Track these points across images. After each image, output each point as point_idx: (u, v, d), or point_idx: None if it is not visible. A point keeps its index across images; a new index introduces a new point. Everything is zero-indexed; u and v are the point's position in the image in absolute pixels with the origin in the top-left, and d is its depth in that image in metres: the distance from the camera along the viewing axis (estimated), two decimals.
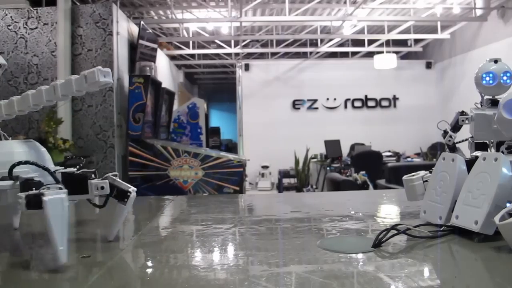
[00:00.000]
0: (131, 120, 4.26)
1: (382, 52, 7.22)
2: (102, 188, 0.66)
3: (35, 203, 0.54)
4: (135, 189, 0.70)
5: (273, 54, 8.70)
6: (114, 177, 0.70)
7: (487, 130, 0.80)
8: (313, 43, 8.04)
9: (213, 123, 12.81)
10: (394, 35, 7.07)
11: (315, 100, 8.03)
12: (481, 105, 0.84)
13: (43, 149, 0.71)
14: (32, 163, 0.63)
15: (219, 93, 13.10)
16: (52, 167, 0.69)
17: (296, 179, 7.54)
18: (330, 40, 7.36)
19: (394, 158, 6.98)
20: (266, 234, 0.81)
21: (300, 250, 0.67)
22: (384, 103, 8.12)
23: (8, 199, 0.61)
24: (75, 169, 0.71)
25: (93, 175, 0.69)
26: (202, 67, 10.17)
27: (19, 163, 0.62)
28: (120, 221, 0.71)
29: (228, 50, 7.82)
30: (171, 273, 0.58)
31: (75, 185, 0.65)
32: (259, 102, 7.80)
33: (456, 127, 0.90)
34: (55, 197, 0.55)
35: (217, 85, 12.58)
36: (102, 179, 0.68)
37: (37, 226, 0.85)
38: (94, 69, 0.63)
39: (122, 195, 0.69)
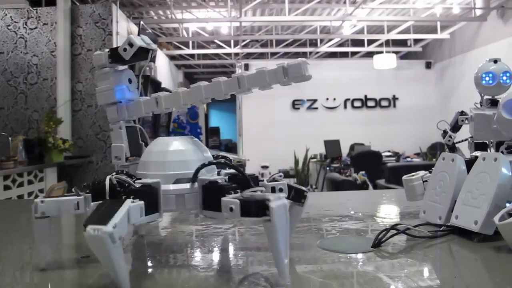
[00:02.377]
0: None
1: (381, 52, 7.22)
2: (281, 190, 0.61)
3: (257, 209, 0.46)
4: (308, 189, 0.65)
5: (273, 54, 8.70)
6: (280, 177, 0.64)
7: (487, 130, 0.80)
8: (313, 43, 8.04)
9: (213, 123, 12.81)
10: (393, 35, 7.07)
11: (315, 100, 8.03)
12: (481, 105, 0.85)
13: (202, 145, 0.62)
14: (230, 165, 0.57)
15: None
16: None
17: (295, 179, 7.55)
18: (330, 40, 7.36)
19: (394, 158, 6.98)
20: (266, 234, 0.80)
21: (299, 250, 0.67)
22: (384, 103, 8.12)
23: (186, 205, 0.54)
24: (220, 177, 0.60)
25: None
26: (201, 67, 10.17)
27: (208, 163, 0.55)
28: (295, 227, 0.66)
29: (227, 50, 7.82)
30: (171, 273, 0.58)
31: (211, 198, 0.53)
32: (258, 102, 7.80)
33: (455, 127, 0.90)
34: (281, 203, 0.46)
35: None
36: (271, 181, 0.62)
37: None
38: (299, 61, 0.57)
39: (299, 196, 0.62)
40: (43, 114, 3.93)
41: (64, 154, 3.82)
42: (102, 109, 4.17)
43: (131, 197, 0.49)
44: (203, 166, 0.55)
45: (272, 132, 7.64)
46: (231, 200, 0.48)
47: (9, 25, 4.13)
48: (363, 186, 4.53)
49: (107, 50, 0.64)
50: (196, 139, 0.62)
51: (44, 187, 3.60)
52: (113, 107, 0.66)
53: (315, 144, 7.17)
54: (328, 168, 6.64)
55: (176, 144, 0.59)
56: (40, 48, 4.12)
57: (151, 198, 0.52)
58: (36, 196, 3.43)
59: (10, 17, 4.13)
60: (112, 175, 0.54)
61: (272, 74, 0.58)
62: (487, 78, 0.82)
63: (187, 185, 0.55)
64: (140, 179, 0.56)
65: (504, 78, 0.81)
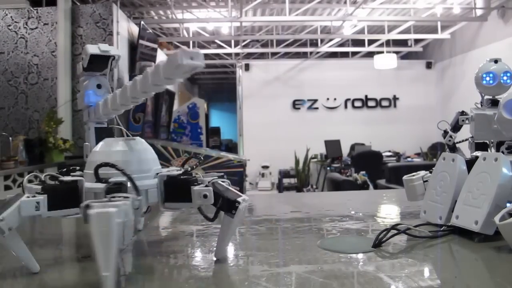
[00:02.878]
0: (131, 120, 4.26)
1: (382, 52, 7.22)
2: (205, 197, 0.57)
3: (84, 216, 0.46)
4: (247, 198, 0.58)
5: (273, 54, 8.70)
6: (222, 183, 0.61)
7: (487, 130, 0.80)
8: (313, 43, 8.04)
9: (213, 123, 12.81)
10: (394, 35, 7.07)
11: (315, 100, 8.03)
12: (481, 105, 0.84)
13: (147, 147, 0.63)
14: (111, 165, 0.55)
15: (219, 93, 13.10)
16: (157, 168, 0.62)
17: (296, 179, 7.54)
18: (330, 40, 7.36)
19: (394, 158, 6.98)
20: (266, 234, 0.81)
21: (300, 250, 0.67)
22: (384, 103, 8.11)
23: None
24: (180, 170, 0.62)
25: (197, 181, 0.60)
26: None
27: (101, 165, 0.55)
28: (228, 237, 0.61)
29: (228, 50, 7.82)
30: (171, 273, 0.58)
31: (176, 191, 0.59)
32: (259, 102, 7.80)
33: (456, 127, 0.90)
34: (101, 211, 0.45)
35: (217, 85, 12.58)
36: (206, 185, 0.59)
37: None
38: (177, 51, 0.48)
39: (229, 206, 0.57)
40: (43, 114, 3.93)
41: (64, 154, 3.82)
42: None
43: (36, 192, 0.54)
44: (99, 166, 0.56)
45: (273, 132, 7.64)
46: (202, 188, 0.58)
47: (9, 25, 4.14)
48: (363, 186, 4.53)
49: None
50: (142, 140, 0.64)
51: None
52: (85, 110, 0.74)
53: (316, 144, 7.17)
54: (328, 168, 6.64)
55: (106, 146, 0.62)
56: (40, 48, 4.12)
57: (68, 194, 0.55)
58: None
59: (11, 17, 4.14)
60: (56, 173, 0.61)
61: (153, 74, 0.51)
62: (487, 78, 0.82)
63: (100, 184, 0.55)
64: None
65: (505, 78, 0.81)
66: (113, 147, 0.61)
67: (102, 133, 0.72)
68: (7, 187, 3.11)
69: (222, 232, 0.60)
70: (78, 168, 0.65)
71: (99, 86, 0.73)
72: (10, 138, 3.38)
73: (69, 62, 4.10)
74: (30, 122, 4.09)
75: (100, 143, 0.63)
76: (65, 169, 0.65)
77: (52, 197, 0.54)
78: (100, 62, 0.71)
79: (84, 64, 0.70)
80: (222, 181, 0.61)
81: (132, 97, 0.57)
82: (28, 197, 0.52)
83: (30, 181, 0.60)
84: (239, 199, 0.57)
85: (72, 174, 0.63)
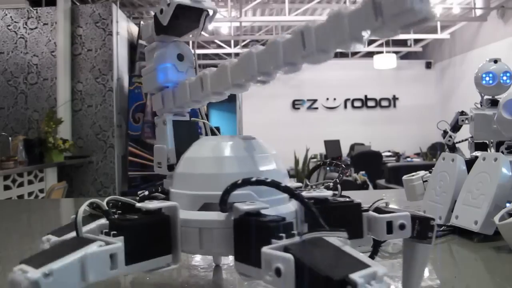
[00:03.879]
0: (131, 120, 4.25)
1: (382, 52, 7.22)
2: (403, 227, 0.37)
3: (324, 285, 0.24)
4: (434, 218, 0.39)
5: None
6: (386, 206, 0.41)
7: (487, 130, 0.80)
8: None
9: (213, 123, 12.79)
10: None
11: (315, 100, 8.03)
12: (481, 105, 0.85)
13: (275, 152, 0.43)
14: (272, 184, 0.34)
15: None
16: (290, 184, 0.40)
17: (295, 179, 7.54)
18: None
19: (394, 158, 6.98)
20: None
21: None
22: (384, 103, 8.12)
23: (214, 246, 0.35)
24: (330, 191, 0.40)
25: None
26: (202, 67, 10.11)
27: (238, 184, 0.34)
28: (423, 270, 0.41)
29: (228, 50, 7.82)
30: (171, 273, 0.58)
31: (336, 222, 0.31)
32: (259, 102, 7.80)
33: (456, 127, 0.90)
34: None
35: None
36: (375, 210, 0.39)
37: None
38: None
39: (422, 229, 0.38)
40: (43, 114, 3.94)
41: (64, 154, 3.82)
42: (102, 109, 4.18)
43: (113, 233, 0.31)
44: (235, 186, 0.34)
45: (272, 132, 7.63)
46: (275, 254, 0.26)
47: (9, 25, 4.13)
48: (363, 186, 4.53)
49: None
50: (258, 141, 0.43)
51: (44, 187, 3.60)
52: (157, 95, 0.49)
53: (315, 144, 7.17)
54: (328, 168, 6.64)
55: (214, 148, 0.40)
56: (40, 48, 4.12)
57: (156, 232, 0.34)
58: (36, 196, 3.44)
59: (10, 17, 4.13)
60: (148, 192, 0.40)
61: (355, 17, 0.31)
62: (487, 78, 0.82)
63: (217, 215, 0.35)
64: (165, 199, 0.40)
65: (504, 78, 0.81)
66: (225, 150, 0.39)
67: (182, 130, 0.48)
68: (6, 187, 3.11)
69: (415, 267, 0.40)
70: (159, 187, 0.44)
71: (180, 58, 0.49)
72: (10, 138, 3.38)
73: (68, 62, 4.10)
74: (30, 122, 4.09)
75: (196, 145, 0.42)
76: (142, 192, 0.42)
77: (132, 241, 0.31)
78: (185, 21, 0.46)
79: (164, 20, 0.44)
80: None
81: (260, 72, 0.37)
82: (100, 246, 0.29)
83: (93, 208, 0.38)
84: (427, 216, 0.39)
85: (146, 195, 0.42)
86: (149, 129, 4.66)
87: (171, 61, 0.48)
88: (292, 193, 0.33)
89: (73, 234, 0.34)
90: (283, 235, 0.28)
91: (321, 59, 0.34)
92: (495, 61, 0.83)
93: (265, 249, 0.27)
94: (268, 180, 0.34)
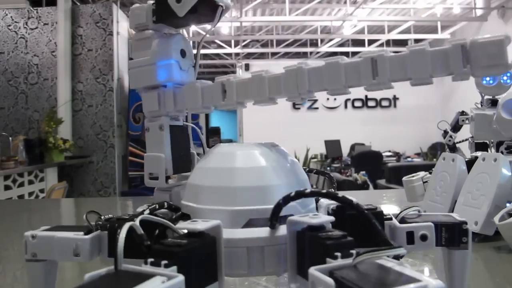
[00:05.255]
0: (131, 120, 4.26)
1: None
2: (425, 238, 0.35)
3: None
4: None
5: (273, 54, 8.70)
6: (415, 214, 0.37)
7: (487, 130, 0.80)
8: (313, 43, 8.04)
9: (213, 123, 12.80)
10: (394, 35, 7.07)
11: (315, 100, 8.03)
12: (481, 105, 0.85)
13: (296, 160, 0.39)
14: (329, 195, 0.32)
15: None
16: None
17: None
18: (330, 40, 7.36)
19: (394, 158, 6.98)
20: None
21: None
22: (384, 103, 8.12)
23: (265, 266, 0.31)
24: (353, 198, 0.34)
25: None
26: (202, 67, 10.17)
27: (290, 197, 0.31)
28: (465, 277, 0.38)
29: (228, 50, 7.82)
30: None
31: (359, 232, 0.30)
32: None
33: (456, 127, 0.90)
34: None
35: None
36: (402, 222, 0.35)
37: None
38: (497, 37, 0.32)
39: (454, 235, 0.36)
40: (43, 114, 3.94)
41: (64, 154, 3.83)
42: (103, 109, 4.18)
43: (163, 262, 0.25)
44: (290, 198, 0.31)
45: (273, 132, 7.62)
46: (319, 276, 0.24)
47: (9, 25, 4.14)
48: (363, 186, 4.53)
49: (152, 1, 0.42)
50: (280, 148, 0.39)
51: (44, 187, 3.60)
52: (152, 94, 0.42)
53: (316, 144, 7.17)
54: (328, 168, 6.64)
55: (251, 157, 0.36)
56: (40, 48, 4.12)
57: (206, 258, 0.29)
58: (37, 196, 3.45)
59: (11, 17, 4.14)
60: (142, 213, 0.34)
61: (439, 57, 0.31)
62: (487, 78, 0.82)
63: (266, 231, 0.32)
64: (186, 216, 0.36)
65: (505, 78, 0.81)
66: (261, 159, 0.36)
67: (177, 137, 0.44)
68: (7, 187, 3.11)
69: (454, 277, 0.37)
70: (166, 202, 0.39)
71: (183, 54, 0.43)
72: (10, 138, 3.39)
73: (69, 62, 4.11)
74: (30, 122, 4.09)
75: (209, 153, 0.38)
76: (156, 205, 0.37)
77: (185, 271, 0.25)
78: (200, 14, 0.40)
79: (180, 11, 0.39)
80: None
81: (309, 90, 0.35)
82: (163, 282, 0.23)
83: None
84: (456, 217, 0.36)
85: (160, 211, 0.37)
86: None
87: (176, 58, 0.42)
88: (351, 204, 0.31)
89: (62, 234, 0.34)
90: (339, 254, 0.26)
91: (386, 86, 0.35)
92: None
93: (312, 270, 0.25)
94: (324, 191, 0.31)
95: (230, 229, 0.32)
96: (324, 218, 0.30)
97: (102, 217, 0.36)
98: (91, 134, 4.15)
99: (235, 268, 0.31)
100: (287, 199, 0.31)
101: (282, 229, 0.31)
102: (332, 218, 0.30)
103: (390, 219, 0.35)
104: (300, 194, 0.31)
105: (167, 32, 0.43)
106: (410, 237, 0.34)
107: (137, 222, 0.30)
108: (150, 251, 0.27)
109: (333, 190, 0.36)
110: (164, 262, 0.25)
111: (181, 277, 0.24)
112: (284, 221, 0.31)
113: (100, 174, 4.11)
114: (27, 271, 0.36)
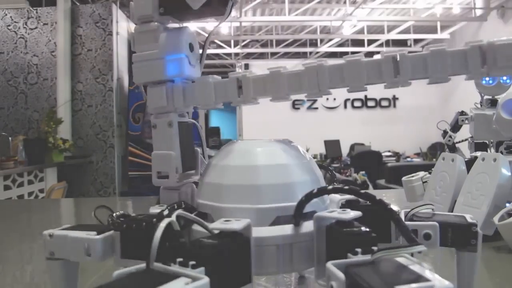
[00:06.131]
0: (131, 120, 4.26)
1: None
2: (428, 237, 0.35)
3: None
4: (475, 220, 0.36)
5: (273, 54, 8.70)
6: (427, 213, 0.37)
7: (487, 130, 0.80)
8: (313, 43, 8.04)
9: (213, 123, 12.80)
10: (394, 35, 7.07)
11: (315, 100, 8.03)
12: (481, 105, 0.85)
13: (309, 161, 0.38)
14: (352, 191, 0.31)
15: None
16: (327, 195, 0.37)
17: None
18: (330, 40, 7.36)
19: (394, 158, 6.98)
20: None
21: None
22: (384, 103, 8.12)
23: (294, 263, 0.32)
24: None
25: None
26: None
27: (313, 194, 0.31)
28: (471, 280, 0.37)
29: (227, 50, 7.82)
30: None
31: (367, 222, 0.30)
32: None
33: (456, 127, 0.90)
34: None
35: None
36: (410, 219, 0.35)
37: None
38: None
39: (462, 236, 0.35)
40: (43, 114, 3.94)
41: (64, 154, 3.82)
42: (102, 109, 4.19)
43: (191, 263, 0.25)
44: (312, 195, 0.31)
45: (272, 132, 7.64)
46: (333, 270, 0.25)
47: (9, 25, 4.13)
48: (363, 186, 4.53)
49: None
50: (296, 145, 0.39)
51: (44, 187, 3.60)
52: (159, 89, 0.41)
53: (315, 144, 7.17)
54: None
55: (273, 154, 0.36)
56: (40, 48, 4.12)
57: (237, 258, 0.28)
58: (36, 196, 3.45)
59: (10, 17, 4.13)
60: (168, 210, 0.32)
61: (458, 57, 0.33)
62: (487, 78, 0.82)
63: (293, 228, 0.32)
64: (204, 215, 0.35)
65: (504, 78, 0.81)
66: (283, 156, 0.35)
67: (185, 134, 0.42)
68: (6, 187, 3.11)
69: (461, 279, 0.37)
70: (182, 203, 0.37)
71: (191, 48, 0.42)
72: (10, 138, 3.38)
73: (68, 62, 4.10)
74: (30, 122, 4.09)
75: (224, 150, 0.38)
76: (174, 205, 0.35)
77: (214, 273, 0.25)
78: (212, 7, 0.40)
79: (195, 3, 0.38)
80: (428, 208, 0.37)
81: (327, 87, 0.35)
82: (187, 284, 0.23)
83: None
84: (468, 218, 0.35)
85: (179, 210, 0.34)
86: (149, 129, 4.66)
87: (186, 52, 0.40)
88: (374, 199, 0.31)
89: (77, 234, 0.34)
90: (359, 250, 0.26)
91: (405, 85, 0.35)
92: None
93: (329, 264, 0.25)
94: (346, 187, 0.31)
95: (258, 228, 0.31)
96: (352, 214, 0.30)
97: (114, 214, 0.35)
98: (90, 134, 4.15)
99: (264, 266, 0.31)
100: (309, 196, 0.31)
101: (306, 226, 0.32)
102: (359, 213, 0.30)
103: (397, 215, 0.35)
104: (322, 191, 0.31)
105: (169, 25, 0.42)
106: (414, 235, 0.34)
107: (173, 218, 0.29)
108: (180, 251, 0.27)
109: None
110: (191, 262, 0.25)
111: (206, 279, 0.24)
112: (308, 218, 0.32)
113: (99, 174, 4.11)
114: (48, 269, 0.36)
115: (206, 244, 0.26)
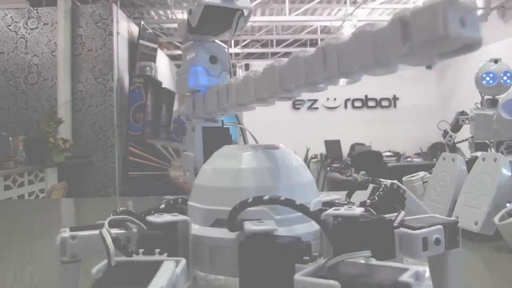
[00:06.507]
0: (131, 120, 4.26)
1: None
2: (438, 242, 0.32)
3: None
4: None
5: (273, 54, 8.69)
6: (429, 220, 0.35)
7: (487, 130, 0.80)
8: (313, 43, 8.04)
9: None
10: None
11: (315, 100, 8.03)
12: (481, 105, 0.85)
13: (301, 163, 0.38)
14: (286, 203, 0.31)
15: None
16: (316, 200, 0.37)
17: None
18: None
19: (394, 158, 6.99)
20: None
21: None
22: (384, 103, 8.12)
23: (224, 261, 0.32)
24: (361, 208, 0.33)
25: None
26: None
27: (247, 203, 0.31)
28: (458, 277, 0.35)
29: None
30: None
31: (369, 239, 0.29)
32: None
33: (456, 127, 0.90)
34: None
35: None
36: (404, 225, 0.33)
37: None
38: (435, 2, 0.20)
39: (453, 237, 0.34)
40: (43, 114, 3.94)
41: (64, 154, 3.82)
42: (103, 109, 4.18)
43: (157, 250, 0.27)
44: (245, 205, 0.31)
45: (273, 132, 7.61)
46: (318, 282, 0.23)
47: (9, 25, 4.14)
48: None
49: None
50: (282, 150, 0.39)
51: (44, 187, 3.60)
52: (189, 98, 0.47)
53: (316, 144, 7.17)
54: (328, 168, 6.64)
55: (233, 158, 0.36)
56: (40, 48, 4.12)
57: (165, 248, 0.28)
58: (37, 196, 3.45)
59: (11, 17, 4.14)
60: (165, 205, 0.35)
61: (380, 37, 0.24)
62: (487, 78, 0.82)
63: (227, 232, 0.32)
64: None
65: (505, 78, 0.81)
66: (244, 161, 0.36)
67: (213, 137, 0.46)
68: (7, 187, 3.11)
69: (448, 280, 0.35)
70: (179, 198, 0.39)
71: (213, 60, 0.46)
72: (10, 138, 3.39)
73: (69, 62, 4.10)
74: (30, 122, 4.09)
75: (216, 155, 0.39)
76: (171, 200, 0.38)
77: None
78: (217, 21, 0.43)
79: (193, 21, 0.42)
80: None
81: (283, 89, 0.32)
82: (176, 264, 0.25)
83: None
84: (442, 217, 0.35)
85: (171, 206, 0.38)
86: (149, 129, 4.67)
87: (203, 64, 0.45)
88: (307, 212, 0.30)
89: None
90: (308, 258, 0.25)
91: (344, 82, 0.29)
92: (496, 61, 0.83)
93: (299, 277, 0.23)
94: (282, 198, 0.30)
95: (200, 227, 0.34)
96: (267, 226, 0.30)
97: (117, 210, 0.37)
98: (91, 134, 4.15)
99: (200, 263, 0.33)
100: (243, 205, 0.31)
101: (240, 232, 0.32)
102: (275, 227, 0.30)
103: (398, 227, 0.33)
104: (257, 201, 0.31)
105: (205, 41, 0.47)
106: (424, 242, 0.32)
107: (106, 224, 0.31)
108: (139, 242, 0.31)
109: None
110: (157, 250, 0.27)
111: (184, 259, 0.26)
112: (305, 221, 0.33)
113: (100, 174, 4.11)
114: (62, 273, 0.34)
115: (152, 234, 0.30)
